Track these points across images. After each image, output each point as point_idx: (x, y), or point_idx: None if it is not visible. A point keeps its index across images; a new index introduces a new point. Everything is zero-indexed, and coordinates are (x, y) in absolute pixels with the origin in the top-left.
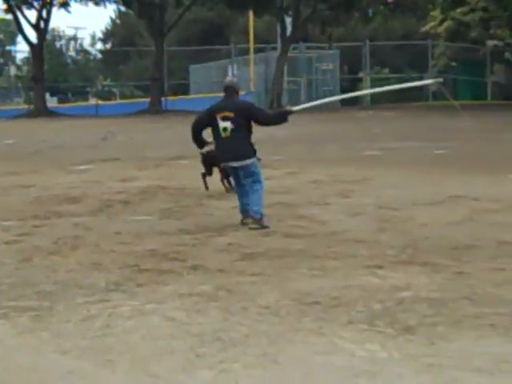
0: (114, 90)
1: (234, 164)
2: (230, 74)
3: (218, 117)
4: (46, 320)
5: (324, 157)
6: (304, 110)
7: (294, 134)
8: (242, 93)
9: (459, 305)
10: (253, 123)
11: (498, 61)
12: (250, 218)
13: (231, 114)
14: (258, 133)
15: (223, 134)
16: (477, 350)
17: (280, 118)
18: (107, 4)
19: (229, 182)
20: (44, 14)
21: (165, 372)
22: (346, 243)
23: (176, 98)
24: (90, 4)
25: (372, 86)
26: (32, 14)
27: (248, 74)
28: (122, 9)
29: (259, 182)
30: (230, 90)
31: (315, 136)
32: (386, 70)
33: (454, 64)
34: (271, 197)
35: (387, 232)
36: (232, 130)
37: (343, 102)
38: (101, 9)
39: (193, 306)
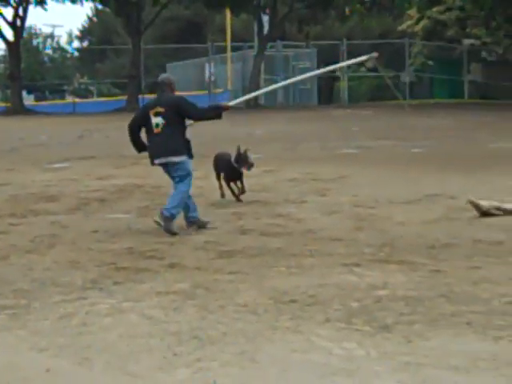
0: (91, 87)
1: (162, 160)
2: (207, 72)
3: (151, 113)
4: (22, 318)
5: (301, 155)
6: (243, 102)
7: (272, 132)
8: (219, 91)
9: (436, 303)
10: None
11: (474, 60)
12: (161, 213)
13: (163, 110)
14: (237, 131)
15: (155, 130)
16: (453, 347)
17: (213, 113)
18: (84, 2)
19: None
20: (20, 11)
21: (142, 370)
22: (323, 241)
23: (153, 95)
24: (67, 2)
25: (349, 85)
26: (8, 12)
27: (225, 72)
28: (99, 6)
29: (184, 182)
30: (163, 86)
31: (293, 134)
32: (363, 69)
33: (430, 63)
34: (248, 194)
35: (364, 230)
36: (163, 125)
37: (320, 100)
38: (77, 6)
39: (170, 304)
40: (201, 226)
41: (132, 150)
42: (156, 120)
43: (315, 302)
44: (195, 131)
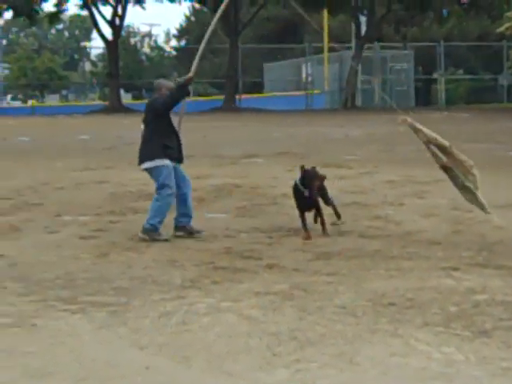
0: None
1: (140, 168)
2: (304, 72)
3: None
4: (122, 316)
5: (398, 157)
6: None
7: (369, 133)
8: (316, 91)
9: None
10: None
11: None
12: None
13: (144, 115)
14: (333, 133)
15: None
16: None
17: (179, 92)
18: (182, 1)
19: None
20: (119, 10)
21: (241, 370)
22: (421, 244)
23: (250, 95)
24: (165, 1)
25: (447, 87)
26: (107, 11)
27: (322, 73)
28: (197, 5)
29: (160, 193)
30: (154, 91)
31: (389, 136)
32: (461, 71)
33: None
34: (346, 196)
35: (462, 234)
36: (143, 130)
37: (417, 102)
38: (175, 6)
39: (269, 305)
40: (191, 233)
41: (228, 150)
42: (142, 126)
43: (414, 305)
44: (291, 132)
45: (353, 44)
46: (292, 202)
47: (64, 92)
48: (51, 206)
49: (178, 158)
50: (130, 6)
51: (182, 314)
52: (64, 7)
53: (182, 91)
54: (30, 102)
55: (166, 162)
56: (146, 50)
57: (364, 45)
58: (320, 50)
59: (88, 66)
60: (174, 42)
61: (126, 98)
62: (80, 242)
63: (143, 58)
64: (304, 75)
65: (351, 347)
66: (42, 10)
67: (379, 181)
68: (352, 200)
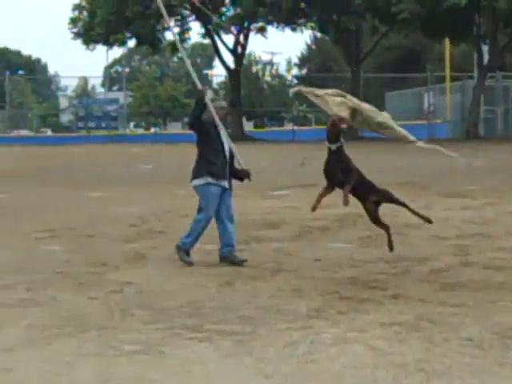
0: (309, 115)
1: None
2: (426, 101)
3: None
4: (248, 344)
5: None
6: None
7: (492, 163)
8: (437, 121)
9: None
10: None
11: None
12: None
13: None
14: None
15: None
16: None
17: (196, 105)
18: (303, 30)
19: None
20: (241, 39)
21: None
22: None
23: None
24: (287, 29)
25: None
26: (229, 39)
27: (444, 103)
28: (318, 35)
29: (197, 211)
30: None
31: None
32: None
33: None
34: (470, 227)
35: None
36: None
37: None
38: (297, 34)
39: (394, 336)
40: (234, 263)
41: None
42: None
43: None
44: (413, 162)
45: (475, 73)
46: (417, 232)
47: (186, 119)
48: (175, 233)
49: (222, 177)
50: (251, 35)
51: (307, 344)
52: (186, 36)
53: (197, 102)
54: (153, 130)
55: (209, 179)
56: (268, 78)
57: (486, 74)
58: (442, 79)
59: (210, 94)
60: (295, 71)
61: (248, 127)
62: (205, 271)
63: (265, 86)
64: (426, 104)
65: (478, 380)
66: (165, 39)
67: (503, 211)
68: (476, 231)
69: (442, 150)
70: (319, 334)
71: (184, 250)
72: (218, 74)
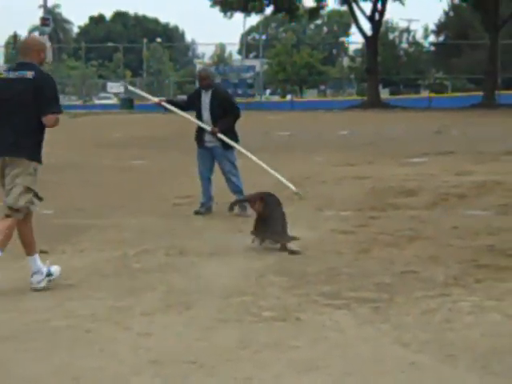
0: (446, 82)
1: None
2: None
3: None
4: (385, 312)
5: None
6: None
7: None
8: None
9: None
10: None
11: None
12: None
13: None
14: None
15: None
16: None
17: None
18: None
19: None
20: (379, 6)
21: (507, 371)
22: None
23: (510, 92)
24: None
25: None
26: (367, 6)
27: None
28: (456, 1)
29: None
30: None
31: None
32: None
33: None
34: None
35: None
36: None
37: None
38: (434, 1)
39: None
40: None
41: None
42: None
43: None
44: None
45: None
46: None
47: (322, 87)
48: (313, 199)
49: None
50: (389, 2)
51: (445, 312)
52: (324, 3)
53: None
54: (289, 97)
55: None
56: (404, 45)
57: None
58: None
59: (346, 61)
60: (432, 38)
61: (384, 94)
62: (341, 237)
63: (401, 53)
64: None
65: None
66: (302, 6)
67: None
68: None
69: None
70: (456, 302)
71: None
72: (354, 41)
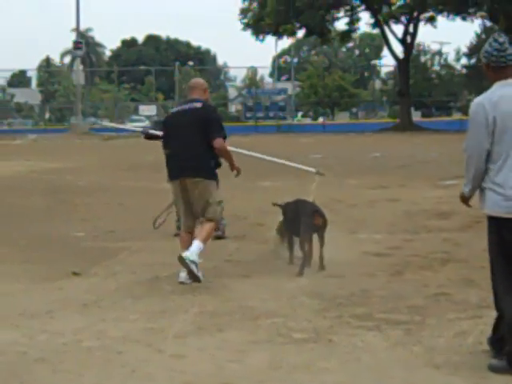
0: None
1: None
2: None
3: None
4: (417, 334)
5: None
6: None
7: None
8: None
9: None
10: None
11: None
12: None
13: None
14: None
15: None
16: None
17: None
18: (474, 19)
19: None
20: (411, 28)
21: None
22: None
23: None
24: (457, 19)
25: None
26: (399, 29)
27: None
28: (488, 24)
29: None
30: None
31: None
32: None
33: None
34: None
35: None
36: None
37: None
38: (466, 24)
39: None
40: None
41: None
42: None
43: None
44: None
45: None
46: None
47: (354, 109)
48: (345, 223)
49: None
50: (421, 24)
51: (477, 334)
52: (356, 26)
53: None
54: (321, 119)
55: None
56: (436, 68)
57: None
58: None
59: (378, 84)
60: (464, 61)
61: (416, 116)
62: (375, 260)
63: (433, 75)
64: None
65: None
66: (334, 29)
67: None
68: None
69: None
70: (489, 324)
71: None
72: (386, 63)
